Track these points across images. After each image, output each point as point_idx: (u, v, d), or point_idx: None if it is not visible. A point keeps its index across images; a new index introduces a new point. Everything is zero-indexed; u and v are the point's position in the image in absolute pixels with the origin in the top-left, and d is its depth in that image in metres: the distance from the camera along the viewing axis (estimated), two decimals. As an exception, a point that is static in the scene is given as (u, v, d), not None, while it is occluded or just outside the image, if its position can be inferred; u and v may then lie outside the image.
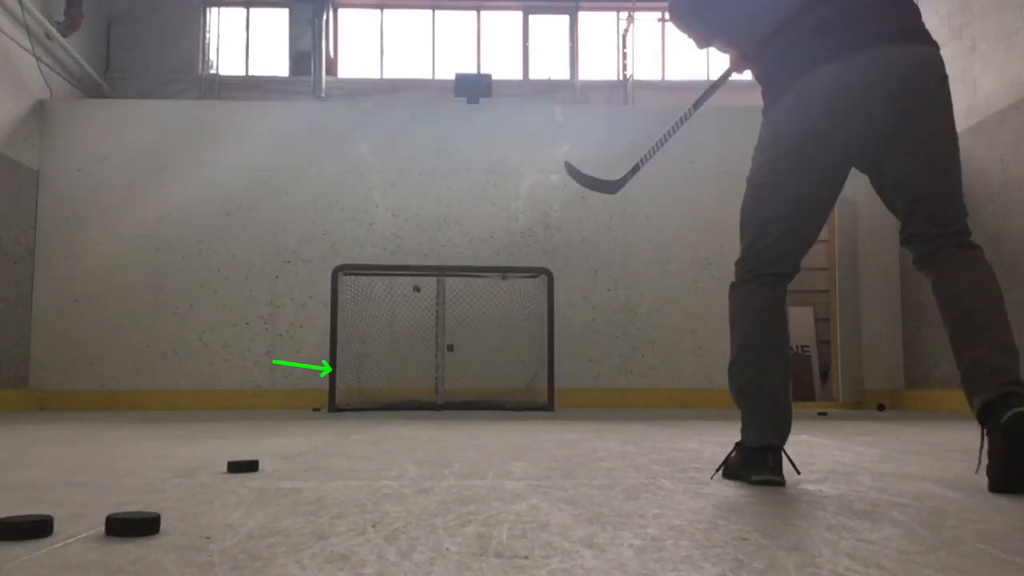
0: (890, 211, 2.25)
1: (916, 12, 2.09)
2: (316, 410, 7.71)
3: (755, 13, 2.18)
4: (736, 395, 2.17)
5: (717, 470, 2.20)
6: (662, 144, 2.91)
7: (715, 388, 8.55)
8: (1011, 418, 1.72)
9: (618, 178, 2.88)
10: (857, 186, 9.78)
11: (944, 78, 2.04)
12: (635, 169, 2.89)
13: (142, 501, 1.72)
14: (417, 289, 7.80)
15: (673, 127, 2.88)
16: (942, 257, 2.08)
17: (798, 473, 2.16)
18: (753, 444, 2.05)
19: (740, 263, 2.21)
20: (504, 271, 8.06)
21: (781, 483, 1.98)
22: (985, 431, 1.83)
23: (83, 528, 1.39)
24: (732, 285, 2.21)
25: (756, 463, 2.02)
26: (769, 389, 2.12)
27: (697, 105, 2.78)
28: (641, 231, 8.77)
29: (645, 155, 2.88)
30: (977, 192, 7.51)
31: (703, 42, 2.42)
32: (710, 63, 11.02)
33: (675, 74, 10.99)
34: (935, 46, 2.05)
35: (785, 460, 2.05)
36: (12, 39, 8.01)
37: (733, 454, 2.13)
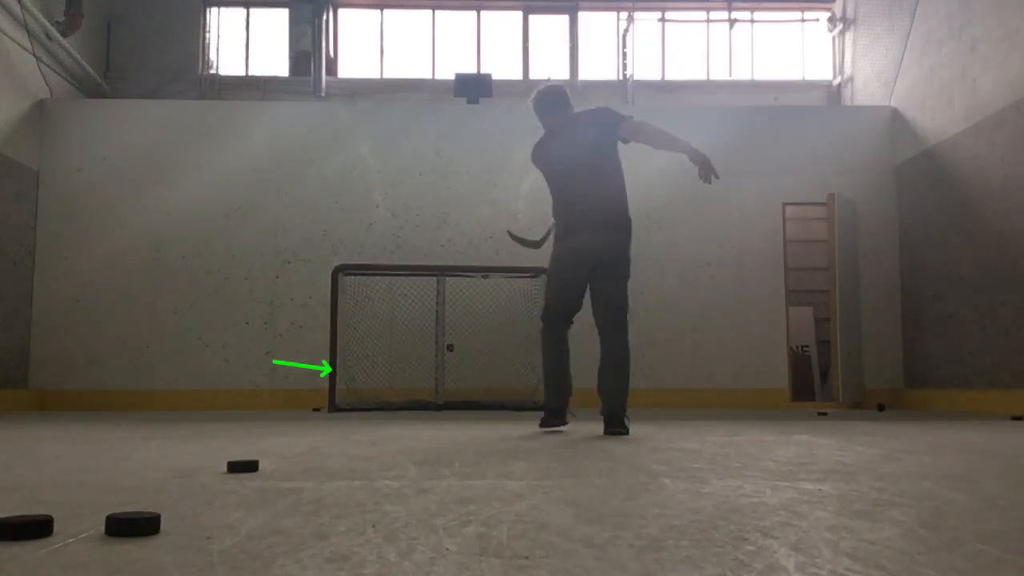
0: (593, 315, 4.19)
1: (621, 213, 4.14)
2: (316, 410, 7.71)
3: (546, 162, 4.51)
4: (545, 382, 4.30)
5: (541, 425, 4.18)
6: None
7: (715, 388, 8.55)
8: (609, 429, 3.95)
9: (539, 238, 4.55)
10: (857, 186, 9.71)
11: (626, 251, 4.13)
12: (549, 232, 4.51)
13: (142, 501, 1.72)
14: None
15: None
16: (607, 339, 4.16)
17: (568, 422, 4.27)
18: (549, 406, 4.19)
19: (544, 311, 4.30)
20: (504, 271, 8.05)
21: (564, 425, 4.23)
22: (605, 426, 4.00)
23: (83, 528, 1.39)
24: (543, 324, 4.30)
25: (551, 418, 4.16)
26: (550, 388, 4.26)
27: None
28: (641, 231, 8.74)
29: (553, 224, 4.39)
30: (977, 192, 7.51)
31: None
32: (709, 64, 11.03)
33: (675, 74, 10.99)
34: (626, 233, 4.14)
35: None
36: (12, 39, 8.01)
37: (544, 416, 4.19)
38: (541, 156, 4.42)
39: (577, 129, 4.29)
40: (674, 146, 4.07)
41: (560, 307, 4.16)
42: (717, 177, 3.99)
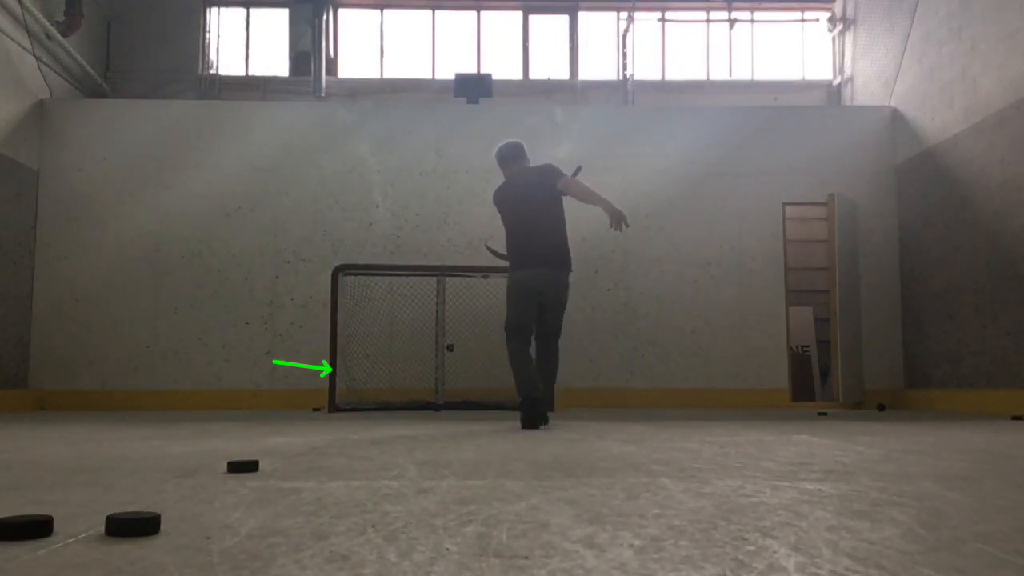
0: (537, 326, 5.15)
1: (561, 253, 5.16)
2: (316, 410, 7.71)
3: (503, 201, 5.36)
4: (517, 386, 4.87)
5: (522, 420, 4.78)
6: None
7: (715, 388, 8.55)
8: (524, 414, 4.69)
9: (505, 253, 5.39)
10: (857, 186, 9.70)
11: (566, 283, 5.16)
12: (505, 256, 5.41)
13: (142, 501, 1.72)
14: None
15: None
16: (545, 344, 5.18)
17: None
18: (526, 413, 4.70)
19: (508, 331, 5.05)
20: (505, 272, 8.04)
21: (545, 425, 4.77)
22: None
23: (83, 528, 1.39)
24: (508, 337, 5.03)
25: (529, 423, 4.65)
26: (526, 383, 4.81)
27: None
28: (641, 231, 8.77)
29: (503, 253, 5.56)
30: (977, 192, 7.51)
31: None
32: (709, 64, 11.03)
33: (675, 74, 10.99)
34: (566, 270, 5.17)
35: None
36: (12, 39, 8.01)
37: (521, 411, 4.76)
38: (500, 199, 5.33)
39: (528, 181, 5.23)
40: (596, 201, 5.11)
41: (520, 326, 5.05)
42: (627, 225, 5.16)
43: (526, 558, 1.15)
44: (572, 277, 8.97)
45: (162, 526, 1.40)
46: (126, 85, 10.37)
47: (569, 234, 8.71)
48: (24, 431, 4.36)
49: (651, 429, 4.47)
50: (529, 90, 10.76)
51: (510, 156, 5.40)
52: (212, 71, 10.73)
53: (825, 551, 1.20)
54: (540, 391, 4.76)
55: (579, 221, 8.72)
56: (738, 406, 8.45)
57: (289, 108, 9.05)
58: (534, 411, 4.65)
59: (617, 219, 5.02)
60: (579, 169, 5.93)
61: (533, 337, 5.14)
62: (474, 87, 9.35)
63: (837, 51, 10.74)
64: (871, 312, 8.76)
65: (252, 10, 10.99)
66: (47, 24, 8.53)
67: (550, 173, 5.17)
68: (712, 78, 10.95)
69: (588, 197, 5.09)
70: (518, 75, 10.99)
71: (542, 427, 4.66)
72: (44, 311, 8.41)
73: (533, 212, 5.13)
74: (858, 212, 8.81)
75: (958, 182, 7.80)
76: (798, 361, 9.96)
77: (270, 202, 8.68)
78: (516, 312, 5.03)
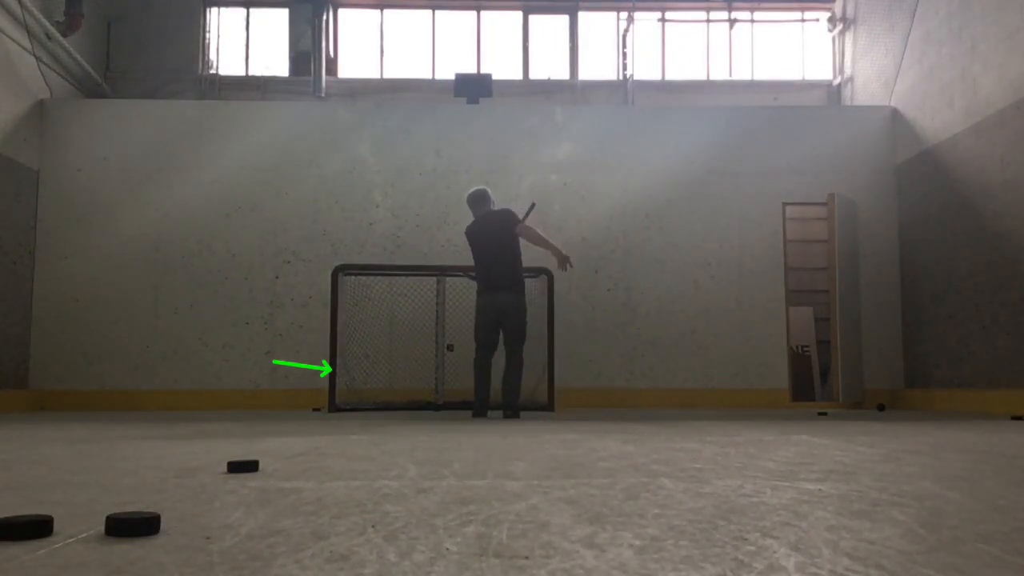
0: (503, 339, 6.35)
1: (516, 279, 6.33)
2: (316, 410, 7.71)
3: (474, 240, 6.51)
4: (475, 392, 6.33)
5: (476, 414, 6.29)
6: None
7: (715, 388, 8.55)
8: (507, 414, 6.31)
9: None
10: (857, 186, 9.68)
11: (523, 305, 6.34)
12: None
13: (142, 501, 1.72)
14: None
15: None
16: (509, 354, 6.28)
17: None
18: (476, 406, 6.31)
19: (475, 340, 6.35)
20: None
21: (485, 418, 6.10)
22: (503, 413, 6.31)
23: (83, 528, 1.39)
24: (476, 349, 6.38)
25: (478, 414, 6.26)
26: (482, 391, 6.30)
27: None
28: (641, 231, 8.77)
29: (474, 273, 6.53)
30: (977, 192, 7.51)
31: None
32: (709, 64, 11.03)
33: (675, 74, 10.99)
34: (519, 292, 6.33)
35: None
36: (12, 39, 8.01)
37: (475, 409, 6.33)
38: (470, 236, 6.52)
39: (491, 223, 6.41)
40: (544, 245, 6.36)
41: (483, 342, 6.37)
42: (572, 266, 6.58)
43: (526, 558, 1.15)
44: (571, 278, 9.07)
45: (162, 526, 1.40)
46: (126, 85, 10.37)
47: (570, 235, 8.86)
48: (24, 431, 4.36)
49: (651, 429, 4.47)
50: (529, 90, 10.76)
51: (478, 200, 6.61)
52: (212, 71, 10.73)
53: (825, 551, 1.20)
54: (485, 399, 6.32)
55: (580, 222, 8.75)
56: (738, 406, 8.45)
57: (289, 108, 9.05)
58: (480, 416, 6.23)
59: (562, 261, 6.30)
60: (533, 206, 7.11)
61: (501, 343, 6.41)
62: (474, 87, 9.35)
63: (837, 51, 10.74)
64: (871, 312, 8.76)
65: (252, 10, 10.99)
66: (47, 24, 8.53)
67: (509, 219, 6.38)
68: (712, 78, 10.95)
69: (539, 242, 6.33)
70: (518, 75, 10.99)
71: (517, 419, 6.07)
72: (44, 311, 8.41)
73: (495, 249, 6.34)
74: (858, 212, 8.81)
75: (958, 182, 7.80)
76: (798, 361, 9.96)
77: (270, 202, 8.68)
78: (480, 328, 6.35)
